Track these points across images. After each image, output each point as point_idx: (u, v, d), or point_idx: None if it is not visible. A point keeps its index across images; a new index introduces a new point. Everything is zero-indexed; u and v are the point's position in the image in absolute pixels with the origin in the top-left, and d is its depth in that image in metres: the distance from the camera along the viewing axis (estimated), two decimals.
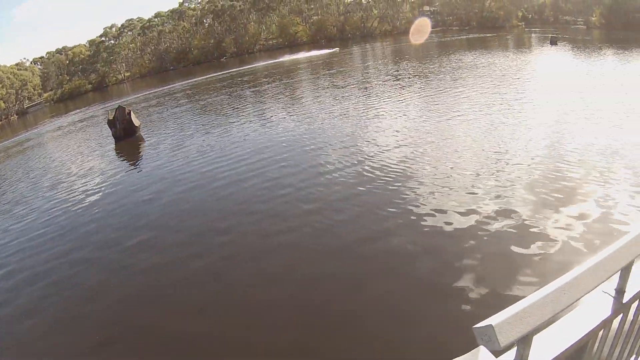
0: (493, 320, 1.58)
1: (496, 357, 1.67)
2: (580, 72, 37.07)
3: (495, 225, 10.64)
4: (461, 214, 11.35)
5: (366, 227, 10.96)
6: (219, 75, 55.22)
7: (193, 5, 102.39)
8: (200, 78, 55.79)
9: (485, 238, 10.16)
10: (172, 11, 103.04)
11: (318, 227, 11.15)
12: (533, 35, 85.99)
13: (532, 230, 10.29)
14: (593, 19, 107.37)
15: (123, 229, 12.67)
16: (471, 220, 10.97)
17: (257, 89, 38.41)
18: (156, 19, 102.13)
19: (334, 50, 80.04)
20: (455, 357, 1.46)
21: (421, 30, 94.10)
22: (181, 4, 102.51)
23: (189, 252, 10.47)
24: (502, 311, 1.64)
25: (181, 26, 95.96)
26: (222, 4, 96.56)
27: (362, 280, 8.87)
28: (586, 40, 72.68)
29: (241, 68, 58.73)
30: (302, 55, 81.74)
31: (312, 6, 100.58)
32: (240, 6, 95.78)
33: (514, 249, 9.55)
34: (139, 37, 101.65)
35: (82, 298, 9.44)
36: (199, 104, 35.19)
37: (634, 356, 3.04)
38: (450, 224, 10.86)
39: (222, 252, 10.29)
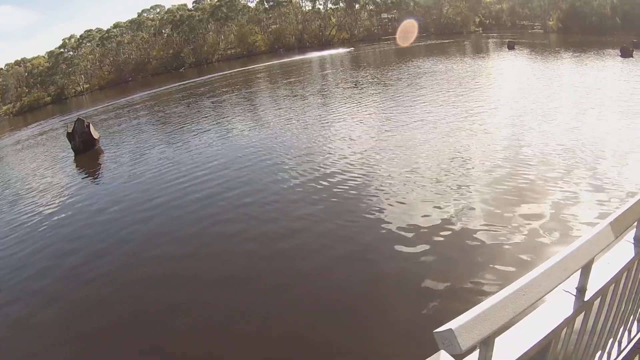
0: (453, 324, 1.60)
1: None
2: (537, 75, 38.27)
3: (457, 229, 10.82)
4: (422, 218, 11.44)
5: (326, 236, 10.93)
6: (178, 85, 55.17)
7: (152, 16, 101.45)
8: (159, 89, 55.51)
9: (447, 241, 10.30)
10: (131, 21, 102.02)
11: (278, 239, 11.02)
12: (490, 40, 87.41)
13: (494, 232, 10.52)
14: (550, 23, 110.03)
15: (79, 250, 12.09)
16: (432, 224, 11.08)
17: (216, 99, 38.56)
18: (115, 30, 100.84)
19: (350, 49, 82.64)
20: None
21: (408, 32, 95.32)
22: (140, 14, 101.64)
23: (146, 267, 10.36)
24: (462, 315, 1.67)
25: (140, 37, 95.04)
26: (180, 14, 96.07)
27: (322, 288, 8.94)
28: (544, 44, 74.43)
29: (200, 78, 58.79)
30: (315, 54, 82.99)
31: (270, 15, 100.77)
32: (198, 16, 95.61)
33: (477, 251, 9.75)
34: (97, 48, 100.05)
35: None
36: (158, 116, 35.09)
37: (600, 352, 3.24)
38: (412, 229, 10.94)
39: (180, 271, 10.08)
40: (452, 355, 1.58)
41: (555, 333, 2.17)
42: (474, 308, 1.70)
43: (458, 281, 8.63)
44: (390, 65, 51.49)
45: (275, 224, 11.72)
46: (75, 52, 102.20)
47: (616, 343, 3.52)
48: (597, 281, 2.53)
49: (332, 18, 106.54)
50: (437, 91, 30.47)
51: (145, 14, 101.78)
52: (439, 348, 1.61)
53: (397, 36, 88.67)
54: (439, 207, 11.99)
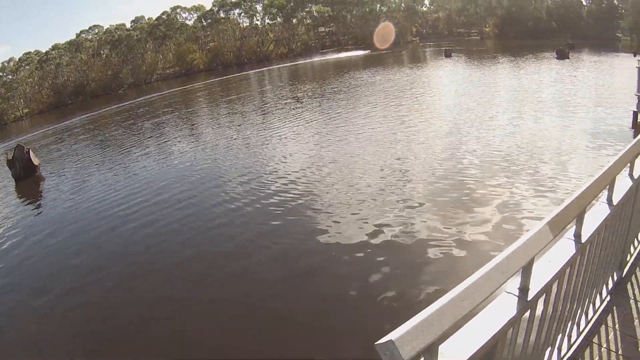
0: (393, 335, 1.59)
1: None
2: (475, 81, 39.62)
3: (402, 237, 11.05)
4: (363, 232, 11.57)
5: (270, 258, 10.98)
6: (118, 107, 54.38)
7: (90, 36, 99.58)
8: (99, 111, 54.68)
9: (393, 250, 10.51)
10: (70, 43, 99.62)
11: (224, 262, 11.04)
12: (428, 49, 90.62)
13: (439, 238, 10.81)
14: (487, 29, 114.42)
15: (18, 284, 11.75)
16: (377, 234, 11.33)
17: (156, 120, 38.26)
18: (54, 52, 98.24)
19: (366, 52, 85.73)
20: None
21: (385, 35, 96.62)
22: (78, 35, 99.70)
23: (87, 299, 10.19)
24: (402, 325, 1.65)
25: (79, 58, 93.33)
26: (119, 34, 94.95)
27: (268, 302, 9.11)
28: (481, 50, 77.51)
29: (139, 98, 58.25)
30: (333, 56, 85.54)
31: (208, 33, 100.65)
32: (137, 35, 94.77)
33: (420, 259, 9.96)
34: (36, 71, 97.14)
35: None
36: (98, 139, 34.59)
37: (549, 348, 3.32)
38: (357, 240, 11.13)
39: (123, 296, 10.03)
40: None
41: (500, 335, 2.18)
42: (414, 317, 1.70)
43: (401, 291, 8.83)
44: (328, 78, 52.26)
45: (222, 248, 11.71)
46: (14, 75, 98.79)
47: (565, 338, 3.66)
48: (539, 280, 2.59)
49: (269, 33, 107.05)
50: (376, 103, 31.25)
51: (83, 35, 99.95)
52: None
53: (375, 40, 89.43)
54: (380, 219, 12.25)
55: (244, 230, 12.68)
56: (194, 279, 10.44)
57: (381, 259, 10.26)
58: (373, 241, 11.11)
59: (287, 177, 16.70)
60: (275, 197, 14.85)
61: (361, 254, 10.58)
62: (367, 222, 12.20)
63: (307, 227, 12.30)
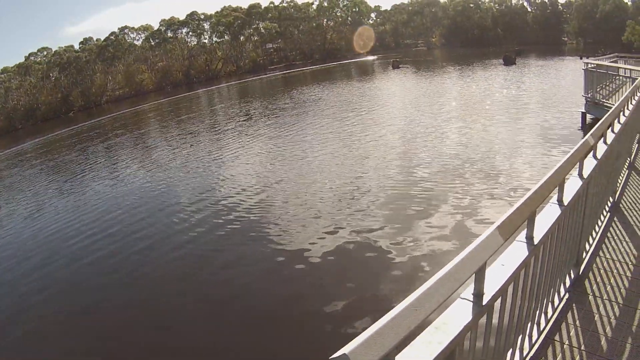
0: (347, 348, 1.55)
1: None
2: (424, 91, 40.42)
3: (361, 250, 11.24)
4: (324, 244, 11.75)
5: (228, 278, 11.03)
6: (69, 130, 53.18)
7: (39, 59, 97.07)
8: (50, 135, 53.46)
9: (350, 263, 10.73)
10: (19, 66, 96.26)
11: (181, 290, 10.87)
12: (375, 62, 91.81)
13: (397, 248, 10.95)
14: (433, 39, 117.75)
15: None
16: (335, 248, 11.45)
17: (108, 143, 37.60)
18: (3, 75, 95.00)
19: (375, 57, 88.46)
20: None
21: (365, 39, 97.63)
22: (27, 58, 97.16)
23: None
24: (356, 338, 1.62)
25: (28, 81, 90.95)
26: (67, 56, 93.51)
27: (228, 318, 9.22)
28: (428, 60, 79.58)
29: (90, 121, 57.38)
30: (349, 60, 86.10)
31: (157, 53, 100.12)
32: (85, 57, 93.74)
33: (380, 269, 10.19)
34: None
35: None
36: (50, 164, 33.37)
37: (510, 349, 3.33)
38: (315, 255, 11.23)
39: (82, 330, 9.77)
40: None
41: (457, 341, 2.16)
42: (367, 329, 1.66)
43: (358, 301, 9.01)
44: (278, 94, 52.56)
45: (184, 279, 11.39)
46: None
47: (526, 338, 3.69)
48: (494, 284, 2.58)
49: (218, 51, 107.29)
50: (326, 117, 31.68)
51: (32, 58, 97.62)
52: None
53: (354, 44, 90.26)
54: (337, 232, 12.38)
55: (200, 257, 12.44)
56: (150, 315, 10.04)
57: (338, 269, 10.56)
58: (329, 252, 11.31)
59: (244, 197, 16.61)
60: (237, 221, 14.52)
61: (317, 265, 10.83)
62: (322, 234, 12.39)
63: (265, 247, 12.20)
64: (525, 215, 3.02)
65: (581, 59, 44.22)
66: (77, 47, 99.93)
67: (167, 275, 11.72)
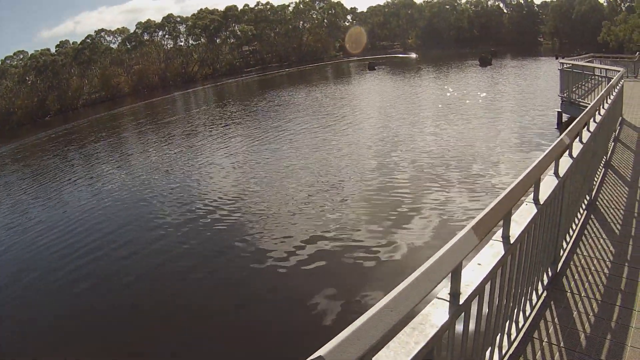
0: (322, 350, 1.53)
1: None
2: (399, 93, 40.63)
3: (340, 247, 11.43)
4: (305, 243, 11.90)
5: (208, 280, 11.08)
6: (46, 135, 52.06)
7: (15, 62, 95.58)
8: (26, 140, 52.14)
9: (328, 264, 10.77)
10: None
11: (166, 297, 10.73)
12: (351, 63, 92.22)
13: (375, 249, 11.08)
14: (410, 41, 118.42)
15: None
16: (316, 248, 11.60)
17: (85, 148, 36.64)
18: None
19: (411, 54, 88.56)
20: None
21: (357, 39, 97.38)
22: (3, 61, 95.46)
23: None
24: (331, 340, 1.60)
25: (4, 85, 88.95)
26: (44, 59, 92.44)
27: (203, 325, 9.21)
28: (404, 62, 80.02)
29: (67, 125, 56.76)
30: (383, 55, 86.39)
31: (133, 56, 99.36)
32: (62, 60, 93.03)
33: (359, 268, 10.34)
34: None
35: None
36: (26, 171, 32.69)
37: (489, 348, 3.37)
38: (295, 255, 11.38)
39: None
40: None
41: (435, 341, 2.16)
42: (343, 331, 1.64)
43: (339, 299, 9.10)
44: (255, 97, 52.21)
45: (169, 285, 11.27)
46: None
47: (505, 336, 3.68)
48: (470, 283, 2.59)
49: (194, 54, 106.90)
50: (302, 119, 31.92)
51: (8, 61, 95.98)
52: None
53: (346, 46, 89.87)
54: (315, 232, 12.57)
55: (182, 261, 12.38)
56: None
57: (315, 270, 10.58)
58: (306, 255, 11.36)
59: (222, 199, 16.71)
60: (216, 223, 14.60)
61: (295, 265, 10.90)
62: (299, 238, 12.41)
63: (243, 249, 12.29)
64: (501, 215, 3.03)
65: (557, 59, 44.93)
66: (53, 50, 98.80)
67: (140, 286, 11.53)
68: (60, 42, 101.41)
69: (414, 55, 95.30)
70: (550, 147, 4.31)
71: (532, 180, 3.68)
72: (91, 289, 11.77)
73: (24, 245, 16.13)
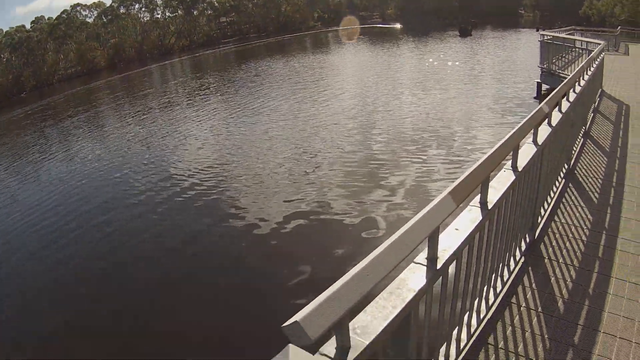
0: (298, 315, 1.53)
1: (314, 350, 1.66)
2: (378, 62, 40.98)
3: (319, 215, 11.68)
4: (284, 213, 12.15)
5: (189, 248, 11.27)
6: (22, 111, 50.97)
7: None
8: (3, 117, 50.56)
9: (310, 229, 11.08)
10: None
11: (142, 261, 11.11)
12: (330, 34, 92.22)
13: (354, 213, 11.42)
14: (389, 11, 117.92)
15: None
16: (291, 218, 11.84)
17: (63, 123, 35.99)
18: None
19: (395, 25, 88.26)
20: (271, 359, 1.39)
21: (351, 27, 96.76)
22: None
23: None
24: (307, 305, 1.60)
25: None
26: (19, 36, 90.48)
27: (184, 292, 9.43)
28: (384, 32, 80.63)
29: (43, 101, 55.79)
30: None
31: (109, 29, 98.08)
32: (37, 37, 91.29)
33: (338, 235, 10.57)
34: None
35: None
36: (6, 147, 32.25)
37: (467, 313, 3.44)
38: (274, 224, 11.60)
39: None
40: (305, 347, 1.50)
41: (412, 305, 2.16)
42: (319, 296, 1.64)
43: (318, 265, 9.31)
44: (232, 69, 52.21)
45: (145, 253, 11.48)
46: None
47: (483, 301, 3.72)
48: (447, 248, 2.60)
49: (171, 26, 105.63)
50: (280, 90, 32.04)
51: None
52: (291, 342, 1.50)
53: (340, 34, 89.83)
54: (295, 200, 12.80)
55: (165, 230, 12.63)
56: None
57: (294, 237, 10.85)
58: (287, 222, 11.64)
59: (201, 173, 16.72)
60: (193, 189, 15.04)
61: (274, 233, 11.13)
62: (280, 204, 12.74)
63: (224, 219, 12.52)
64: (479, 180, 3.03)
65: (537, 31, 44.99)
66: (29, 26, 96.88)
67: (121, 262, 11.48)
68: (35, 18, 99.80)
69: (398, 26, 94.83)
70: (529, 116, 4.35)
71: (511, 147, 3.71)
72: (70, 268, 11.70)
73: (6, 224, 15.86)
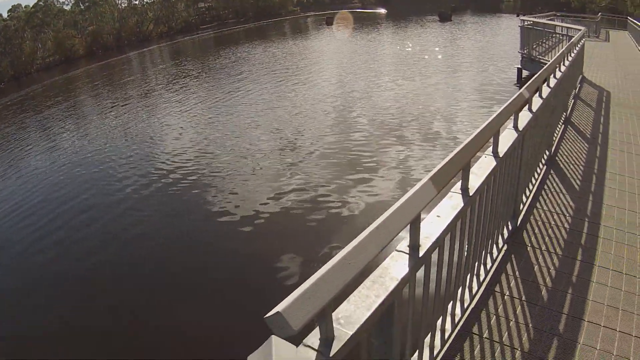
0: (280, 306, 1.50)
1: (298, 341, 1.65)
2: (358, 48, 41.22)
3: (299, 204, 11.77)
4: (264, 201, 12.24)
5: (174, 238, 11.41)
6: (1, 103, 48.64)
7: None
8: None
9: (290, 218, 11.23)
10: None
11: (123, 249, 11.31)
12: (309, 19, 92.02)
13: (335, 202, 11.52)
14: None
15: None
16: (275, 205, 12.00)
17: (42, 114, 35.54)
18: None
19: (379, 10, 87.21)
20: (255, 351, 1.39)
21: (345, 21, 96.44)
22: None
23: None
24: (289, 295, 1.57)
25: None
26: None
27: (168, 281, 9.60)
28: (362, 17, 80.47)
29: (21, 92, 54.36)
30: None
31: (87, 17, 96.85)
32: (14, 25, 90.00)
33: (319, 223, 10.70)
34: None
35: None
36: None
37: (451, 302, 3.44)
38: (255, 213, 11.71)
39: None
40: (289, 338, 1.49)
41: (395, 294, 2.14)
42: (300, 286, 1.61)
43: (299, 254, 9.40)
44: (211, 55, 52.21)
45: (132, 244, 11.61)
46: None
47: (467, 290, 3.73)
48: (429, 236, 2.58)
49: (149, 12, 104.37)
50: (259, 77, 32.05)
51: None
52: (274, 333, 1.50)
53: (327, 17, 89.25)
54: (277, 191, 12.81)
55: (150, 221, 12.76)
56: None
57: (275, 227, 10.97)
58: (270, 213, 11.70)
59: (183, 162, 16.81)
60: (175, 179, 15.17)
61: (255, 223, 11.21)
62: (258, 194, 12.79)
63: (209, 210, 12.59)
64: (459, 166, 2.98)
65: (518, 16, 44.33)
66: (5, 15, 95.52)
67: (102, 254, 11.51)
68: (12, 6, 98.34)
69: (383, 11, 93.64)
70: (509, 101, 4.30)
71: (491, 133, 3.66)
72: (52, 260, 11.66)
73: None
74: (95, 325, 8.70)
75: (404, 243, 2.47)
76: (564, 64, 8.30)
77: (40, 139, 27.46)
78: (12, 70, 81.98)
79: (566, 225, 5.20)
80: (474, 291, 3.89)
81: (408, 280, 2.31)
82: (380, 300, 2.05)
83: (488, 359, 3.33)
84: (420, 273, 2.48)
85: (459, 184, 3.21)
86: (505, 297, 3.96)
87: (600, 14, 38.08)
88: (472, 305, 3.81)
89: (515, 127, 4.45)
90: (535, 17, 26.18)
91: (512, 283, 4.14)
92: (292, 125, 19.34)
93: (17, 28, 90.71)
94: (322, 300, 1.63)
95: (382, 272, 2.25)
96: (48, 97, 46.01)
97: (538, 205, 5.62)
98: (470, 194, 3.14)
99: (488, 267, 4.23)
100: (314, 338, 1.77)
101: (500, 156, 3.76)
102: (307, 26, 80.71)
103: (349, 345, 1.83)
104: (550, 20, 26.65)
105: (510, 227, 4.90)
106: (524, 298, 3.95)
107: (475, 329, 3.58)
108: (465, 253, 3.39)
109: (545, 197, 5.86)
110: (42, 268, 11.39)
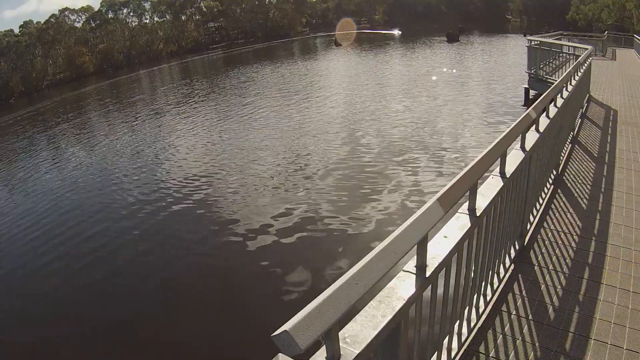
0: (287, 325, 1.51)
1: (306, 358, 1.66)
2: (366, 68, 40.92)
3: (307, 225, 11.59)
4: (273, 221, 12.06)
5: (182, 257, 11.20)
6: (9, 118, 50.05)
7: None
8: None
9: (299, 238, 11.00)
10: None
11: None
12: (318, 39, 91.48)
13: (344, 222, 11.35)
14: (377, 16, 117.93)
15: None
16: (284, 224, 11.82)
17: (53, 130, 35.62)
18: None
19: (393, 31, 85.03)
20: None
21: (347, 29, 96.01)
22: None
23: None
24: (296, 314, 1.58)
25: None
26: (7, 41, 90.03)
27: (173, 301, 9.38)
28: (371, 38, 78.59)
29: (32, 107, 55.06)
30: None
31: (97, 34, 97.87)
32: (25, 41, 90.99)
33: (327, 244, 10.51)
34: None
35: None
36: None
37: (457, 321, 3.42)
38: (264, 233, 11.49)
39: None
40: (295, 356, 1.52)
41: (402, 314, 2.14)
42: (307, 306, 1.62)
43: (307, 274, 9.33)
44: (221, 75, 52.05)
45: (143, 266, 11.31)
46: None
47: (473, 309, 3.70)
48: (436, 256, 2.58)
49: (159, 31, 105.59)
50: (269, 97, 31.86)
51: None
52: (280, 352, 1.53)
53: (336, 37, 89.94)
54: (283, 210, 12.64)
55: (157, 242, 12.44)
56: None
57: (284, 246, 10.77)
58: (275, 231, 11.53)
59: (190, 182, 16.52)
60: (186, 199, 14.89)
61: (265, 243, 11.02)
62: (269, 214, 12.57)
63: (217, 229, 12.39)
64: (467, 187, 2.98)
65: (525, 36, 45.00)
66: (17, 31, 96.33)
67: (114, 277, 11.09)
68: (24, 22, 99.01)
69: (397, 32, 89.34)
70: (516, 121, 4.32)
71: (499, 153, 3.66)
72: (57, 279, 11.45)
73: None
74: (95, 339, 8.66)
75: (411, 263, 2.48)
76: (570, 84, 8.34)
77: (50, 155, 27.08)
78: (23, 86, 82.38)
79: (573, 244, 5.17)
80: (480, 310, 3.88)
81: (415, 300, 2.31)
82: (386, 320, 2.05)
83: None
84: (426, 293, 2.48)
85: (466, 205, 3.23)
86: (512, 316, 3.94)
87: (606, 32, 38.11)
88: (479, 325, 3.80)
89: (522, 147, 4.45)
90: (542, 37, 26.00)
91: (519, 302, 4.12)
92: (300, 145, 19.12)
93: (29, 44, 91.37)
94: (329, 320, 1.64)
95: (389, 292, 2.26)
96: (58, 113, 45.98)
97: (545, 224, 5.59)
98: (478, 215, 3.15)
99: (495, 286, 4.22)
100: (320, 357, 1.78)
101: (508, 176, 3.77)
102: (315, 47, 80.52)
103: None
104: (557, 39, 26.43)
105: (517, 246, 4.90)
106: (530, 317, 3.92)
107: (481, 349, 3.57)
108: (472, 273, 3.40)
109: (553, 216, 5.83)
110: (43, 282, 11.37)
